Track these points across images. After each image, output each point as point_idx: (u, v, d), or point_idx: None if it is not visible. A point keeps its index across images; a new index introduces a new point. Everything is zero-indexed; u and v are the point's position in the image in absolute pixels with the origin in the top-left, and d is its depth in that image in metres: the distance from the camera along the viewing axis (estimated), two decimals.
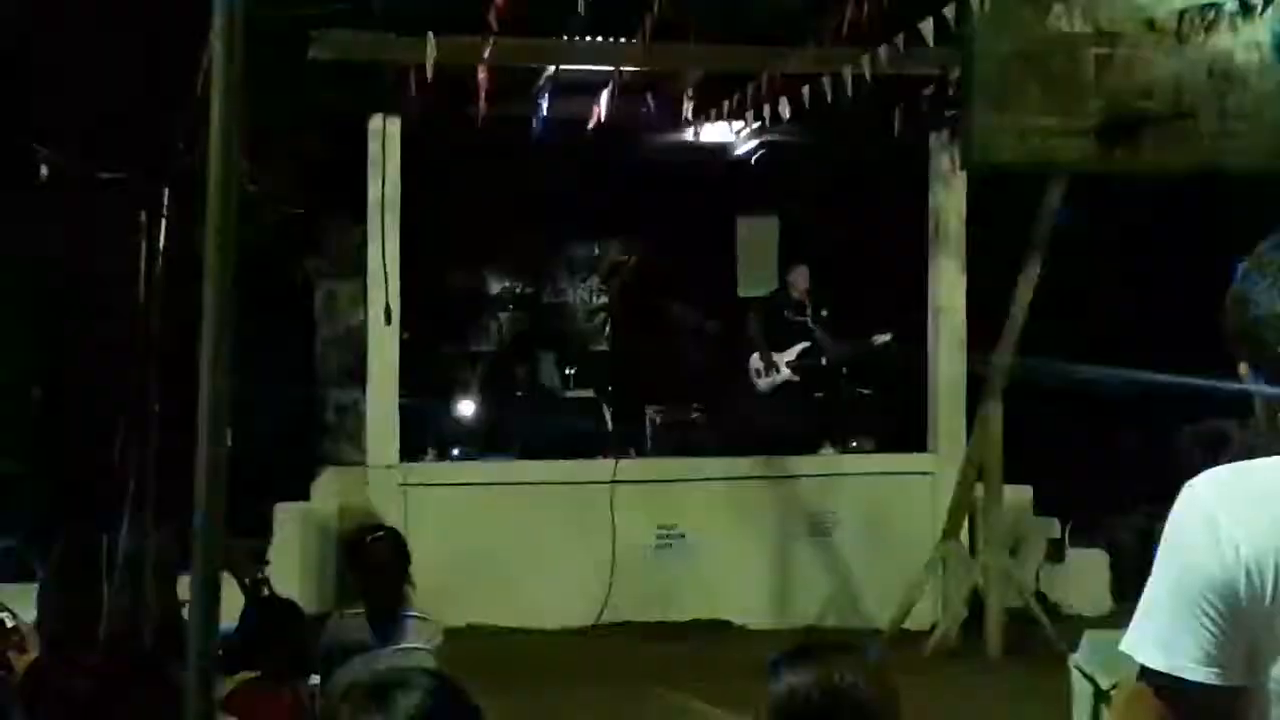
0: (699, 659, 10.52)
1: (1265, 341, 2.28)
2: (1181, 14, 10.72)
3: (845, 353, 13.76)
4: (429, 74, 10.65)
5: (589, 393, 13.69)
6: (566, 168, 14.27)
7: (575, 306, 15.48)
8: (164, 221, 4.18)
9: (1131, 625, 2.23)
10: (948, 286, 12.24)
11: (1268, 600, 2.14)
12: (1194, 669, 2.15)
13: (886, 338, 13.71)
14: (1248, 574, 2.13)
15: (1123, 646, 2.24)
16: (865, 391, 13.58)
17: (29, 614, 5.93)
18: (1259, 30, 10.78)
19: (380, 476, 11.45)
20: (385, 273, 11.42)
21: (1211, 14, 10.69)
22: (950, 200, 12.17)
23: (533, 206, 15.42)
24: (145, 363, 4.90)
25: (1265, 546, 2.14)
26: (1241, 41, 10.80)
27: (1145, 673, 2.20)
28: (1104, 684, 6.67)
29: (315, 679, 5.78)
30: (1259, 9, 10.69)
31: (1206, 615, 2.15)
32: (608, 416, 13.18)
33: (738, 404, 13.36)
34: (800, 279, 13.92)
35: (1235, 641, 2.15)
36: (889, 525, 11.80)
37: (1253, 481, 2.22)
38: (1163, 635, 2.18)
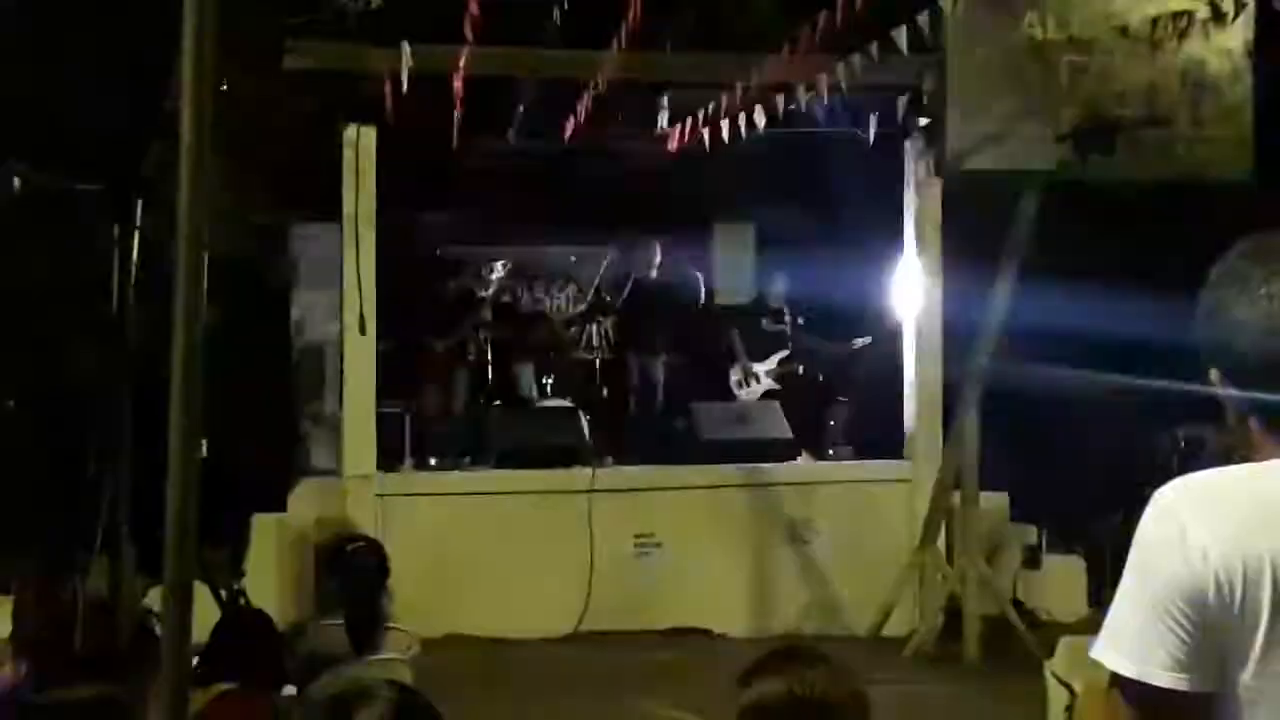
0: (677, 667, 10.51)
1: (1236, 348, 2.29)
2: (1154, 21, 10.75)
3: (824, 359, 13.79)
4: (405, 83, 10.67)
5: (566, 401, 13.68)
6: (544, 175, 14.29)
7: (553, 315, 15.47)
8: (137, 233, 4.18)
9: (1102, 632, 2.24)
10: (923, 293, 12.25)
11: (1236, 607, 2.14)
12: (1164, 675, 2.16)
13: (866, 341, 13.73)
14: (1216, 581, 2.14)
15: (1093, 653, 2.24)
16: (843, 399, 13.60)
17: (3, 627, 5.90)
18: (1231, 37, 10.83)
19: (357, 486, 11.42)
20: (360, 282, 11.41)
21: (1184, 21, 10.73)
22: (925, 207, 12.19)
23: (510, 214, 15.43)
24: (119, 374, 4.89)
25: (1233, 553, 2.14)
26: (1214, 48, 10.84)
27: (1116, 679, 2.21)
28: (1080, 690, 6.69)
29: (291, 690, 5.76)
30: (1231, 16, 10.73)
31: (1176, 622, 2.15)
32: (585, 426, 13.17)
33: (716, 412, 13.36)
34: (778, 290, 13.97)
35: (1205, 648, 2.15)
36: (866, 532, 11.80)
37: (1222, 488, 2.23)
38: (1133, 642, 2.19)
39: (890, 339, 13.41)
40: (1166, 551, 2.17)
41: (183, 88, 2.70)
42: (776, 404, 13.25)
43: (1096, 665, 2.24)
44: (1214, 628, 2.15)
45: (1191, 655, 2.15)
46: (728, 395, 13.95)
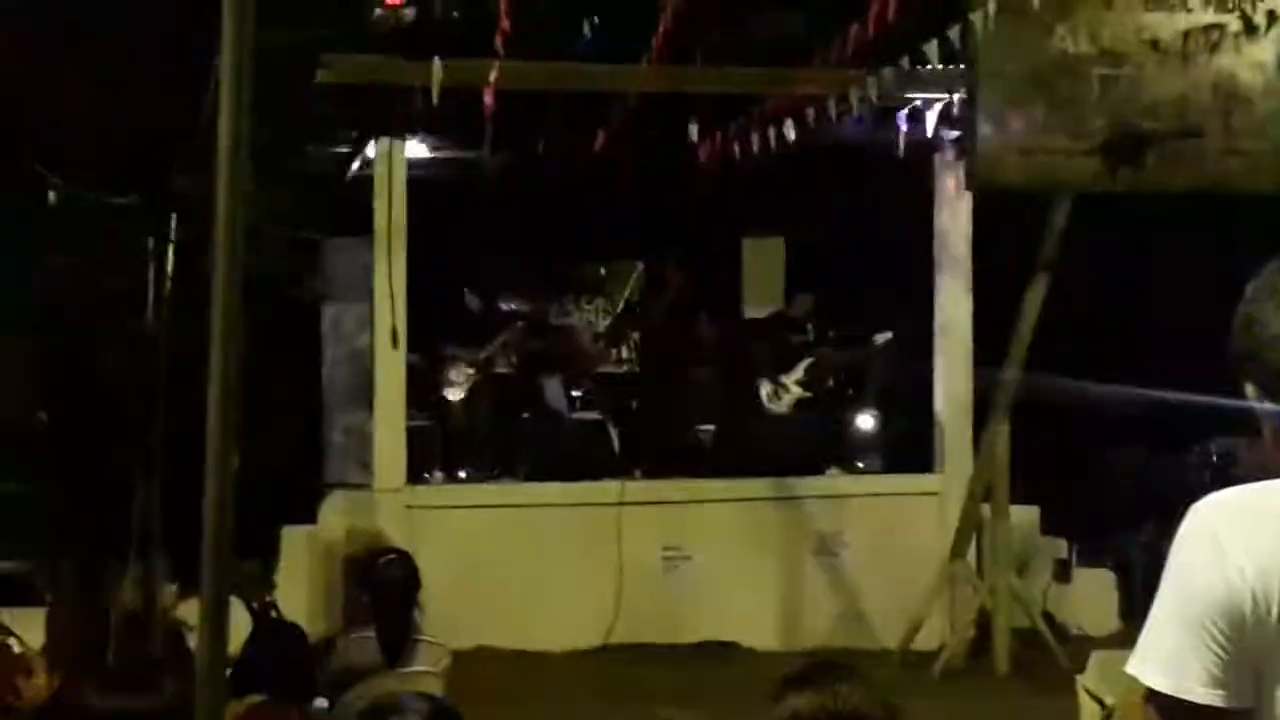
0: (706, 681, 10.50)
1: (1272, 363, 2.27)
2: (1186, 34, 10.73)
3: (850, 363, 13.76)
4: (435, 97, 10.70)
5: (595, 414, 13.68)
6: (573, 188, 14.29)
7: (582, 328, 15.47)
8: (171, 246, 4.20)
9: (1137, 646, 2.23)
10: (953, 306, 12.23)
11: (1273, 622, 2.13)
12: (1200, 691, 2.15)
13: (888, 336, 13.69)
14: (1253, 596, 2.13)
15: (1128, 668, 2.23)
16: (872, 411, 13.57)
17: (36, 638, 5.94)
18: (1263, 50, 10.79)
19: (387, 499, 11.44)
20: (392, 295, 11.44)
21: (1216, 34, 10.70)
22: (955, 220, 12.16)
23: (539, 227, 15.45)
24: (152, 386, 4.91)
25: (1270, 568, 2.13)
26: (1246, 61, 10.81)
27: (1151, 694, 2.20)
28: (1113, 705, 6.65)
29: (323, 702, 5.78)
30: (1263, 29, 10.70)
31: (1212, 637, 2.14)
32: (614, 438, 13.16)
33: (746, 425, 13.36)
34: (804, 305, 14.00)
35: (1241, 663, 2.14)
36: (896, 546, 11.77)
37: (1258, 503, 2.22)
38: (1168, 657, 2.18)
39: (920, 351, 13.38)
40: (1202, 567, 2.16)
41: (220, 100, 2.72)
42: (806, 416, 13.25)
43: (1131, 680, 2.23)
44: (1250, 644, 2.14)
45: (1228, 671, 2.14)
46: (757, 408, 13.94)
